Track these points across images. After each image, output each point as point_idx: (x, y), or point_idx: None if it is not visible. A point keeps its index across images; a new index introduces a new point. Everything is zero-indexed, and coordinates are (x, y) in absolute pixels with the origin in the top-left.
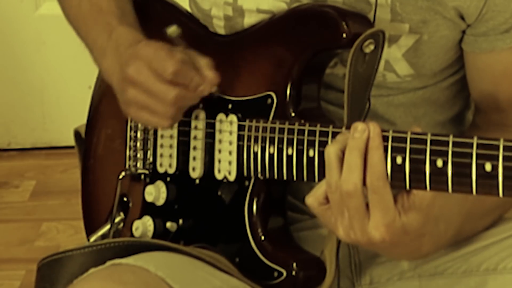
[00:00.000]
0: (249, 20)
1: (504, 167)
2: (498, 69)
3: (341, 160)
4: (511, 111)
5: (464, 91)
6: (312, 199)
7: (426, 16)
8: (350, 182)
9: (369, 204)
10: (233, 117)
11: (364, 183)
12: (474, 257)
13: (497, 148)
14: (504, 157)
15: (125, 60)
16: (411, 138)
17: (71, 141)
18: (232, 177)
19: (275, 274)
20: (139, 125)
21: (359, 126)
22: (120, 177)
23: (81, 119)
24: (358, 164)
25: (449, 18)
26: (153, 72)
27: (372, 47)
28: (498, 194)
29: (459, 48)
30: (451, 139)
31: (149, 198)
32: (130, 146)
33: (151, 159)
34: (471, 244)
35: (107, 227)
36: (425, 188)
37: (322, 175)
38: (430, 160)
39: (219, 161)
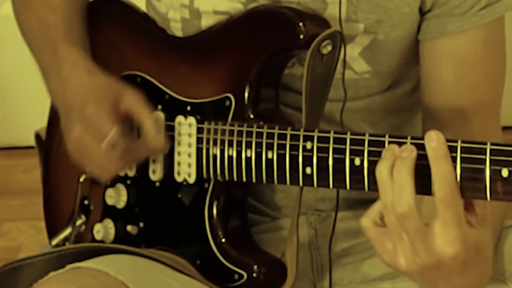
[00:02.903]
0: (206, 22)
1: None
2: (458, 56)
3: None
4: (473, 114)
5: (419, 98)
6: (367, 219)
7: (382, 16)
8: (404, 203)
9: (439, 218)
10: (192, 120)
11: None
12: None
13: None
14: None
15: (71, 120)
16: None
17: (33, 141)
18: (191, 180)
19: (236, 276)
20: None
21: (408, 147)
22: (81, 180)
23: (43, 119)
24: (410, 183)
25: (407, 12)
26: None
27: (329, 48)
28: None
29: (414, 45)
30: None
31: (109, 201)
32: None
33: None
34: None
35: (69, 230)
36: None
37: (281, 177)
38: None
39: (179, 164)
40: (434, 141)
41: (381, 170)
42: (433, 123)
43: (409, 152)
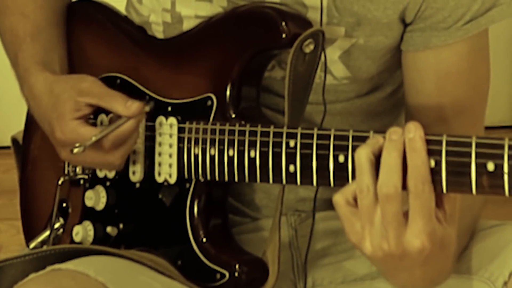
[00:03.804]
0: (188, 26)
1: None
2: (441, 69)
3: (373, 163)
4: (454, 121)
5: (399, 101)
6: (340, 196)
7: (362, 20)
8: (390, 184)
9: (409, 210)
10: (173, 120)
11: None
12: None
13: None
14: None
15: (52, 141)
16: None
17: None
18: (172, 180)
19: (218, 276)
20: None
21: (396, 129)
22: (60, 182)
23: (22, 118)
24: (399, 166)
25: (386, 22)
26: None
27: (312, 47)
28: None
29: (396, 52)
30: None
31: (89, 203)
32: None
33: None
34: None
35: (47, 233)
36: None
37: (264, 176)
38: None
39: (159, 164)
40: (411, 132)
41: (361, 154)
42: None
43: (398, 135)
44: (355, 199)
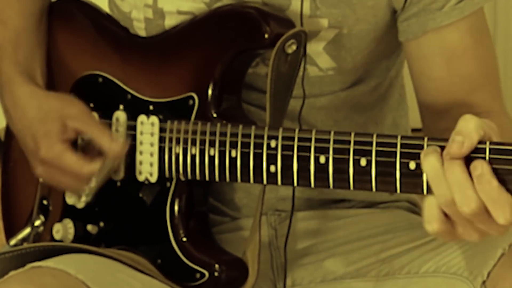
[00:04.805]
0: (170, 22)
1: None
2: (447, 50)
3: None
4: (472, 99)
5: (383, 96)
6: (433, 223)
7: (345, 10)
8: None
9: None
10: (154, 119)
11: None
12: (397, 260)
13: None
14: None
15: (29, 155)
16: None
17: None
18: (153, 179)
19: (197, 275)
20: None
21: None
22: (41, 180)
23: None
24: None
25: (371, 5)
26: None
27: (294, 47)
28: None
29: (381, 42)
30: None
31: (69, 200)
32: None
33: None
34: (394, 247)
35: (27, 230)
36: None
37: (244, 176)
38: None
39: (140, 163)
40: (478, 170)
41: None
42: (431, 114)
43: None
44: (444, 214)
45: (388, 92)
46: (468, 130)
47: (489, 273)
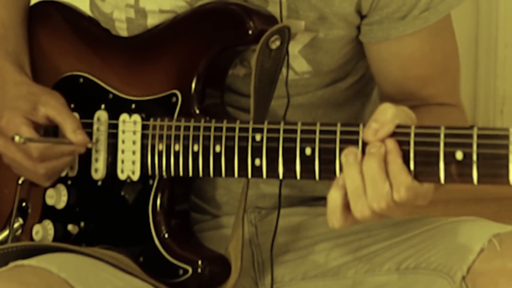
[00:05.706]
0: (152, 21)
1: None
2: (405, 55)
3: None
4: (419, 91)
5: (362, 91)
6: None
7: (321, 14)
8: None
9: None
10: (136, 117)
11: None
12: (377, 257)
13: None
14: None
15: None
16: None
17: None
18: (136, 177)
19: (181, 272)
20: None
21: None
22: (20, 182)
23: None
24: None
25: (342, 14)
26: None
27: (278, 43)
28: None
29: (355, 44)
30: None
31: (49, 201)
32: None
33: None
34: (374, 244)
35: (6, 233)
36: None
37: (229, 170)
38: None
39: (122, 162)
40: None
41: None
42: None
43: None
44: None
45: (369, 86)
46: (384, 119)
47: (468, 269)
